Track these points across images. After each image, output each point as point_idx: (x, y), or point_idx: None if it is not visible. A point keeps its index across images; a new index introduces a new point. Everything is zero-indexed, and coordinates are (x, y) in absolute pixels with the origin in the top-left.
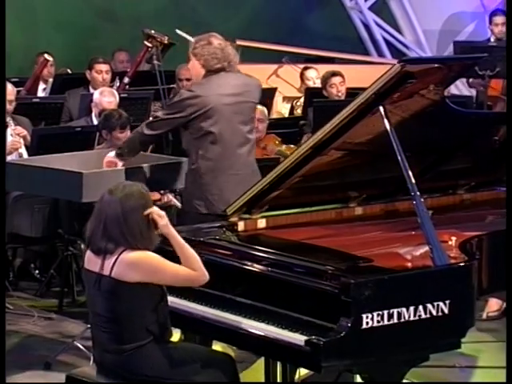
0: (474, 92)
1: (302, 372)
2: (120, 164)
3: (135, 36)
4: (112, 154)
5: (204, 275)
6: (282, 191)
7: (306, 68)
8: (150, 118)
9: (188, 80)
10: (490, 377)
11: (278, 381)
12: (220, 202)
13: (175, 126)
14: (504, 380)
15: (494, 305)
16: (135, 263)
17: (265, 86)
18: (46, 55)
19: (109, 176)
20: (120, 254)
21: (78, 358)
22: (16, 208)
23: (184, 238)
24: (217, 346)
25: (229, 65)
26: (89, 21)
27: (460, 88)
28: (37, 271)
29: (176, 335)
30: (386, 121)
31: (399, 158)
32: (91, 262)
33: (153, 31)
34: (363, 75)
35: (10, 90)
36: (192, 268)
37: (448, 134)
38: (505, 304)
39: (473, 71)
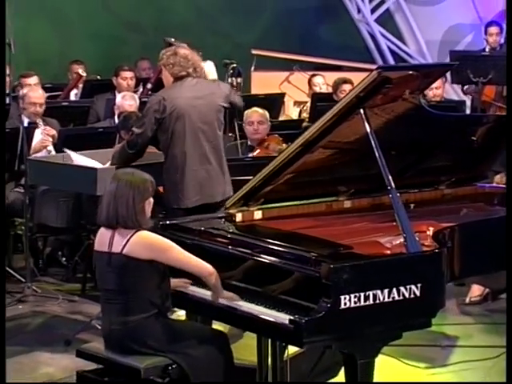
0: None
1: (291, 351)
2: None
3: (159, 45)
4: (108, 164)
5: (210, 269)
6: (277, 186)
7: (313, 75)
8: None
9: None
10: (468, 355)
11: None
12: (187, 196)
13: (151, 131)
14: (479, 357)
15: (476, 290)
16: (152, 240)
17: (276, 91)
18: (80, 70)
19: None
20: (134, 233)
21: (94, 336)
22: (43, 201)
23: (186, 228)
24: (216, 326)
25: (194, 71)
26: (117, 32)
27: (459, 93)
28: (64, 258)
29: (182, 317)
30: (365, 123)
31: (377, 155)
32: (101, 243)
33: (172, 39)
34: None
35: (41, 95)
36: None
37: (426, 135)
38: (486, 290)
39: (467, 78)
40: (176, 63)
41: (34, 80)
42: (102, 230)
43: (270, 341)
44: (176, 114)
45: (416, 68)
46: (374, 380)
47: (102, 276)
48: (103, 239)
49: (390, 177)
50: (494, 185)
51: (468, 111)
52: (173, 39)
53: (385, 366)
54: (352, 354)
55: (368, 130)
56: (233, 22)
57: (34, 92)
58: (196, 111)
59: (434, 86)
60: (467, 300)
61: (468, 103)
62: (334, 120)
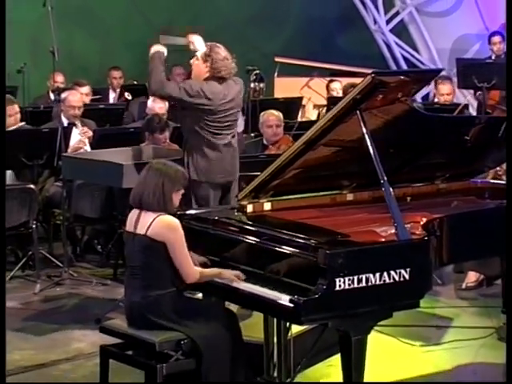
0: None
1: (295, 330)
2: None
3: (191, 53)
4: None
5: (196, 279)
6: (284, 180)
7: (331, 80)
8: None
9: None
10: (460, 335)
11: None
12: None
13: (180, 98)
14: (470, 336)
15: (472, 277)
16: (169, 226)
17: (297, 95)
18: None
19: (143, 167)
20: (158, 216)
21: (122, 315)
22: (79, 194)
23: (202, 218)
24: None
25: (228, 75)
26: (152, 41)
27: (468, 99)
28: (99, 246)
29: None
30: (361, 123)
31: (371, 152)
32: (129, 224)
33: None
34: None
35: (79, 98)
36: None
37: (422, 134)
38: (481, 276)
39: (472, 83)
40: (222, 64)
41: (85, 89)
42: (131, 212)
43: (275, 320)
44: (208, 105)
45: (407, 73)
46: (374, 356)
47: (129, 253)
48: (131, 220)
49: (383, 171)
50: (485, 180)
51: (474, 113)
52: None
53: (385, 344)
54: (346, 331)
55: (364, 129)
56: (259, 32)
57: (73, 96)
58: (223, 107)
59: (444, 92)
60: (463, 285)
61: (475, 105)
62: (333, 120)
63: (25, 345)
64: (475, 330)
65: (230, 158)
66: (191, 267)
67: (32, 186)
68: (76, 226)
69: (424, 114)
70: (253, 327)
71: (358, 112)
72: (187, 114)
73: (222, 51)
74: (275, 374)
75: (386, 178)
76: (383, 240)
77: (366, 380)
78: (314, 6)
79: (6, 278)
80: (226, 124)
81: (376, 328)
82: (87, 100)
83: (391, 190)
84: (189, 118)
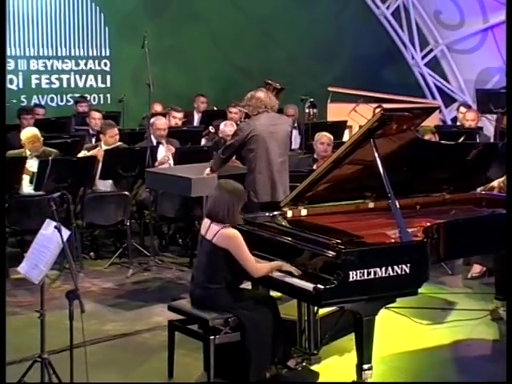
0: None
1: (321, 312)
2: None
3: (262, 85)
4: (208, 169)
5: (261, 273)
6: (318, 191)
7: (377, 107)
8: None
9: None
10: (461, 316)
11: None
12: (264, 194)
13: (238, 147)
14: (468, 317)
15: (476, 268)
16: (231, 237)
17: (344, 118)
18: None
19: (207, 180)
20: (222, 228)
21: None
22: (163, 199)
23: (249, 221)
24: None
25: (265, 109)
26: (231, 74)
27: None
28: (180, 240)
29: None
30: (374, 149)
31: (381, 172)
32: (202, 228)
33: (270, 80)
34: None
35: (165, 122)
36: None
37: (429, 156)
38: (484, 268)
39: (489, 109)
40: (251, 105)
41: (180, 114)
42: (205, 219)
43: (306, 304)
44: (255, 137)
45: (410, 110)
46: (389, 331)
47: (199, 250)
48: (204, 226)
49: (390, 187)
50: (484, 192)
51: (491, 136)
52: (270, 81)
53: (399, 322)
54: (358, 313)
55: (376, 154)
56: (317, 66)
57: (159, 120)
58: (270, 136)
59: (469, 118)
60: (469, 275)
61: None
62: (353, 145)
63: (116, 318)
64: (473, 312)
65: None
66: (253, 265)
67: (126, 193)
68: (161, 224)
69: (425, 141)
70: (289, 308)
71: (371, 140)
72: None
73: None
74: (306, 345)
75: (392, 192)
76: (391, 241)
77: (379, 351)
78: (362, 45)
79: (5, 280)
80: None
81: (393, 309)
82: (180, 123)
83: (396, 201)
84: None
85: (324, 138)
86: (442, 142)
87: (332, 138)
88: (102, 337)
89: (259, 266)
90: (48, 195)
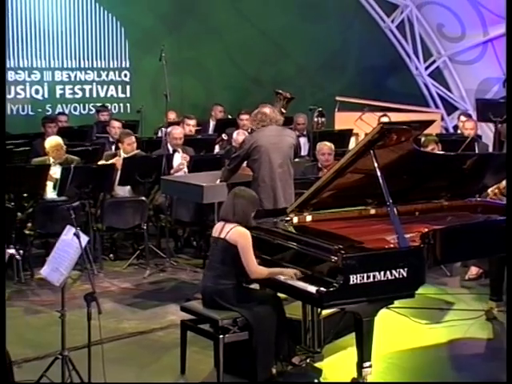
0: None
1: (324, 312)
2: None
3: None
4: (218, 180)
5: (257, 276)
6: (322, 198)
7: (382, 115)
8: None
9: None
10: (457, 315)
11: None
12: (267, 201)
13: (243, 158)
14: (464, 317)
15: (473, 270)
16: (242, 234)
17: (351, 127)
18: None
19: (218, 188)
20: (236, 226)
21: None
22: (178, 204)
23: (258, 227)
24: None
25: (270, 122)
26: (244, 84)
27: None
28: (194, 242)
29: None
30: (374, 160)
31: (380, 182)
32: (215, 231)
33: (280, 90)
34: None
35: (180, 131)
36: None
37: (424, 165)
38: (481, 270)
39: (488, 118)
40: (257, 119)
41: (192, 122)
42: (217, 223)
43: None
44: (258, 147)
45: (408, 124)
46: (390, 330)
47: (211, 251)
48: (217, 228)
49: (389, 196)
50: (479, 199)
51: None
52: (280, 90)
53: (399, 321)
54: (359, 314)
55: (375, 164)
56: (325, 77)
57: (175, 130)
58: (273, 147)
59: (468, 127)
60: (466, 277)
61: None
62: (355, 156)
63: (132, 316)
64: (469, 312)
65: None
66: (254, 266)
67: (143, 198)
68: (176, 227)
69: (423, 152)
70: (295, 308)
71: (371, 151)
72: None
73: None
74: (310, 344)
75: (391, 201)
76: (390, 246)
77: (380, 349)
78: (368, 56)
79: (5, 280)
80: None
81: (393, 309)
82: (193, 130)
83: (395, 209)
84: None
85: (324, 148)
86: (439, 152)
87: (332, 146)
88: (119, 334)
89: (259, 269)
90: (70, 201)
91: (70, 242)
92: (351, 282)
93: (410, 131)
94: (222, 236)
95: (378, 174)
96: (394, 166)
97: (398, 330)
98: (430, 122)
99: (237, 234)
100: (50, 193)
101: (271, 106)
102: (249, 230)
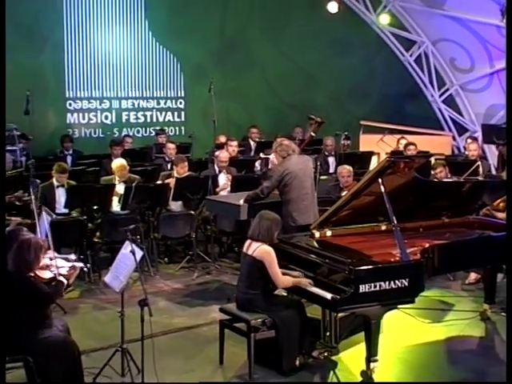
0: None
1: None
2: None
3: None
4: (241, 200)
5: (284, 285)
6: (341, 216)
7: (401, 138)
8: (264, 184)
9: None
10: (455, 316)
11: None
12: (299, 218)
13: (275, 186)
14: (462, 317)
15: (472, 275)
16: (267, 252)
17: (374, 147)
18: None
19: (252, 206)
20: (261, 245)
21: None
22: (221, 217)
23: (283, 241)
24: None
25: (293, 152)
26: (280, 108)
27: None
28: (236, 248)
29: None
30: (381, 187)
31: (387, 206)
32: (245, 246)
33: (312, 115)
34: (435, 141)
35: (226, 155)
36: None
37: (427, 189)
38: (479, 275)
39: (492, 141)
40: (282, 149)
41: (235, 143)
42: (248, 240)
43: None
44: (289, 174)
45: (410, 157)
46: (396, 327)
47: (241, 265)
48: (246, 244)
49: (394, 217)
50: (475, 216)
51: (493, 163)
52: (313, 115)
53: (405, 320)
54: (367, 316)
55: (382, 190)
56: (351, 102)
57: (222, 154)
58: (300, 172)
59: (472, 149)
60: (466, 282)
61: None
62: (367, 182)
63: (182, 313)
64: (466, 313)
65: None
66: (280, 278)
67: (192, 212)
68: (220, 236)
69: (422, 179)
70: (316, 309)
71: (379, 180)
72: None
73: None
74: (328, 340)
75: (395, 222)
76: (395, 259)
77: (388, 344)
78: (389, 85)
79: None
80: None
81: (402, 309)
82: (236, 150)
83: (398, 228)
84: None
85: (343, 172)
86: (438, 180)
87: (351, 169)
88: (171, 329)
89: (284, 279)
90: (131, 214)
91: (128, 255)
92: (361, 291)
93: (413, 162)
94: (249, 253)
95: (385, 198)
96: (401, 189)
97: (405, 329)
98: (429, 156)
99: (262, 251)
100: (116, 206)
101: (286, 139)
102: (279, 244)
